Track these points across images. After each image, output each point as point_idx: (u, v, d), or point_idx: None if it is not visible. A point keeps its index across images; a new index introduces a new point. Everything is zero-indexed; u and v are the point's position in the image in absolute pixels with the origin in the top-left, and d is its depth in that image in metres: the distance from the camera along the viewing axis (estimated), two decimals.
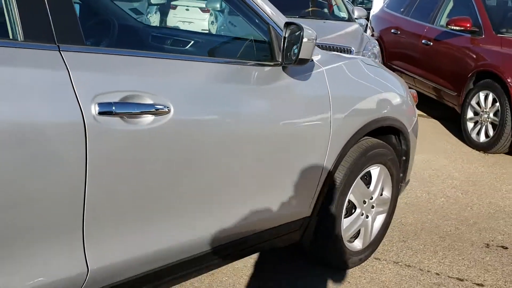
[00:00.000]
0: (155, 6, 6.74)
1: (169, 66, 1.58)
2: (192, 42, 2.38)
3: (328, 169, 2.18)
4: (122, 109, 1.37)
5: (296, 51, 1.75)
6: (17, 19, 1.24)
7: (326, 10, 6.40)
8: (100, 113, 1.33)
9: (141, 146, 1.44)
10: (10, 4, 1.23)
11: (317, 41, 1.94)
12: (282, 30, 1.84)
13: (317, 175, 2.15)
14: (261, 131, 1.83)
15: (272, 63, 1.89)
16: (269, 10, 1.89)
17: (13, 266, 1.26)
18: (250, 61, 1.86)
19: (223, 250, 1.87)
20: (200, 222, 1.70)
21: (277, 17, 1.90)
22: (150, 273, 1.61)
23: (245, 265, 2.47)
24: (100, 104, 1.32)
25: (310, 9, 6.16)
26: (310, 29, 1.79)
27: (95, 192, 1.35)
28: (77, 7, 2.63)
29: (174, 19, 8.13)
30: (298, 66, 1.86)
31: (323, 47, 4.79)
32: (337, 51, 4.88)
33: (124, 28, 2.34)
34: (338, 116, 2.12)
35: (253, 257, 2.53)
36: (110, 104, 1.34)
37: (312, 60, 2.09)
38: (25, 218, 1.27)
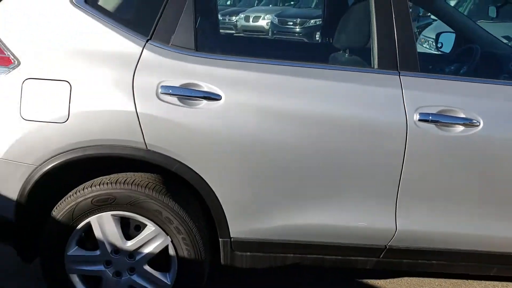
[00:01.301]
0: None
1: (483, 89, 1.94)
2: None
3: None
4: (437, 118, 1.87)
5: None
6: (376, 55, 1.94)
7: None
8: (420, 120, 1.87)
9: (448, 148, 1.88)
10: (372, 48, 1.95)
11: None
12: None
13: None
14: None
15: None
16: None
17: (352, 210, 1.98)
18: None
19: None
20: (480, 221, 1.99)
21: None
22: (449, 251, 2.03)
23: None
24: (420, 114, 1.87)
25: None
26: None
27: (408, 175, 1.91)
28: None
29: None
30: None
31: None
32: None
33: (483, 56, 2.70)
34: None
35: None
36: (428, 114, 1.87)
37: None
38: (363, 183, 1.96)
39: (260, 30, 14.18)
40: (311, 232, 2.02)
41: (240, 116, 1.88)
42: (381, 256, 2.07)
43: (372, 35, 1.97)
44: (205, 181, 1.93)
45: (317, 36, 10.69)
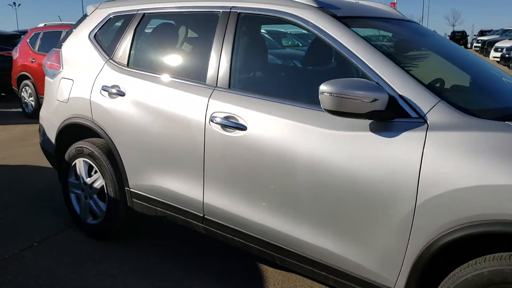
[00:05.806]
0: None
1: (255, 102, 2.38)
2: (290, 86, 2.58)
3: (420, 245, 1.90)
4: (221, 121, 2.47)
5: None
6: (207, 76, 2.66)
7: None
8: (211, 121, 2.51)
9: (227, 144, 2.44)
10: (208, 72, 2.67)
11: None
12: None
13: (399, 245, 1.95)
14: (314, 167, 2.13)
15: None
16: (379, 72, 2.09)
17: (179, 181, 2.74)
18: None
19: (274, 249, 2.37)
20: (257, 212, 2.40)
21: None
22: (240, 231, 2.52)
23: None
24: (212, 117, 2.51)
25: None
26: (334, 84, 1.96)
27: (207, 161, 2.55)
28: None
29: None
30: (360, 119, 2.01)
31: None
32: None
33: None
34: (427, 191, 1.84)
35: None
36: (216, 117, 2.49)
37: (423, 118, 1.92)
38: (182, 163, 2.65)
39: None
40: (163, 193, 2.86)
41: (132, 109, 2.94)
42: (203, 223, 2.71)
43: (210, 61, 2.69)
44: (116, 147, 3.08)
45: None
